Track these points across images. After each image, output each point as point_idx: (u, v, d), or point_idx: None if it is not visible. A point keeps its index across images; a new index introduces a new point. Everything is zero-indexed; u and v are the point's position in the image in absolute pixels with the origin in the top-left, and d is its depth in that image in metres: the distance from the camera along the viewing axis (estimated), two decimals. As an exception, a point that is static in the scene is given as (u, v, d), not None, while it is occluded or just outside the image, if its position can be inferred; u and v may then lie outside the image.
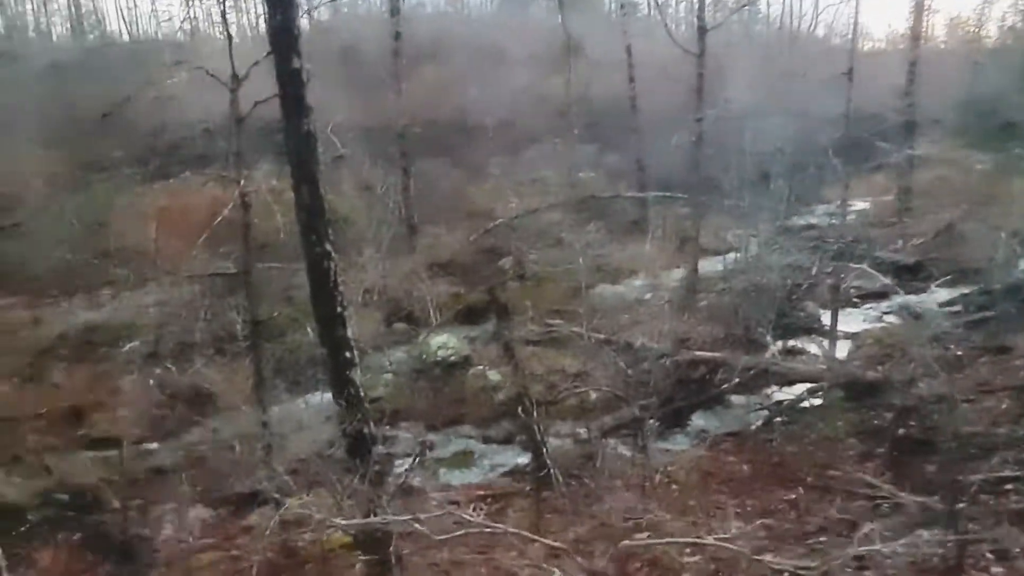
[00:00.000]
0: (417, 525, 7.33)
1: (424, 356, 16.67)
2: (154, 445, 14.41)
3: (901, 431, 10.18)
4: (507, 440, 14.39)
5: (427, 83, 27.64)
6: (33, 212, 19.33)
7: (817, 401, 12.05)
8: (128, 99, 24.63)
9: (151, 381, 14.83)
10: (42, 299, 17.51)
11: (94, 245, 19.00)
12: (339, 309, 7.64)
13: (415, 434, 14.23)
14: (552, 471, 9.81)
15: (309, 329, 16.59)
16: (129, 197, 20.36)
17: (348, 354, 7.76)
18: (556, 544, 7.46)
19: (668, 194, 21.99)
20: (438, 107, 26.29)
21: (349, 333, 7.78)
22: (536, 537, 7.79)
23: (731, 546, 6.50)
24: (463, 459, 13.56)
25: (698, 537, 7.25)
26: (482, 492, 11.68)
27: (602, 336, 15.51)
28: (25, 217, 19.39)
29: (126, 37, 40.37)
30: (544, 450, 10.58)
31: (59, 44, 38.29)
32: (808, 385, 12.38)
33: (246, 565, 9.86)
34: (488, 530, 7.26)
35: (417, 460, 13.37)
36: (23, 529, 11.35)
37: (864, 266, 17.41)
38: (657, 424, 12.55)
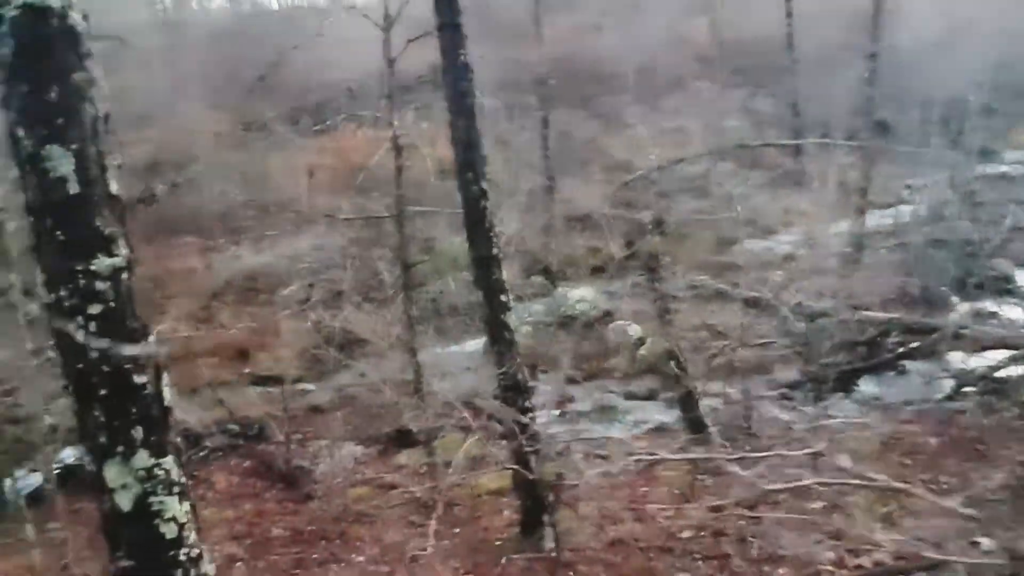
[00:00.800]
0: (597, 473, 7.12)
1: (562, 309, 16.41)
2: (311, 385, 15.33)
3: None
4: (649, 396, 13.90)
5: (562, 32, 26.78)
6: (203, 168, 20.88)
7: (1020, 370, 10.46)
8: (279, 62, 25.98)
9: (308, 324, 15.62)
10: (212, 247, 18.98)
11: (255, 197, 20.28)
12: (495, 251, 7.40)
13: (555, 387, 14.06)
14: (710, 430, 9.20)
15: (450, 280, 16.88)
16: (284, 152, 21.46)
17: (503, 297, 7.54)
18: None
19: (829, 140, 19.97)
20: (574, 57, 25.41)
21: (504, 276, 7.53)
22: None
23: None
24: (605, 414, 13.21)
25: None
26: (627, 447, 11.32)
27: (752, 293, 14.46)
28: (196, 173, 21.01)
29: (275, 6, 42.39)
30: (698, 408, 9.99)
31: (218, 15, 40.85)
32: (1011, 352, 10.77)
33: (397, 502, 10.20)
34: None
35: (559, 412, 13.27)
36: (201, 454, 12.48)
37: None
38: (819, 388, 11.52)
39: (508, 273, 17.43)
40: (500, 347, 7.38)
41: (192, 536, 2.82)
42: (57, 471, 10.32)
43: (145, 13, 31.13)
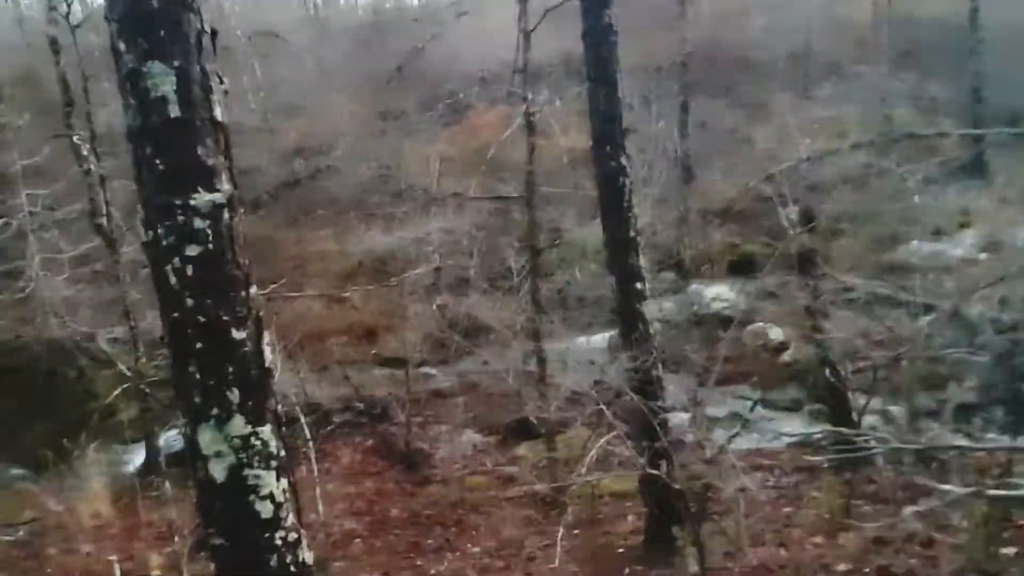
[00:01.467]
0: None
1: (695, 307, 15.33)
2: (433, 370, 15.37)
3: None
4: (792, 407, 12.61)
5: (704, 16, 25.30)
6: (342, 155, 21.69)
7: None
8: (418, 50, 26.57)
9: (434, 307, 15.66)
10: (347, 230, 19.61)
11: (389, 182, 20.75)
12: (631, 233, 6.74)
13: (684, 388, 13.10)
14: (873, 450, 7.97)
15: (577, 271, 16.31)
16: (418, 140, 21.80)
17: (639, 285, 6.87)
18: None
19: (1019, 130, 17.33)
20: (717, 42, 23.88)
21: (641, 262, 6.85)
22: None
23: None
24: (742, 421, 12.08)
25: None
26: (767, 461, 10.24)
27: (919, 299, 12.69)
28: (335, 159, 21.86)
29: (415, 2, 43.64)
30: (855, 424, 8.76)
31: (362, 12, 42.64)
32: None
33: (515, 494, 9.80)
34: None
35: (689, 417, 12.33)
36: (328, 429, 12.79)
37: None
38: (1010, 414, 9.81)
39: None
40: (634, 339, 6.69)
41: (290, 518, 2.46)
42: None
43: (298, 11, 33.03)
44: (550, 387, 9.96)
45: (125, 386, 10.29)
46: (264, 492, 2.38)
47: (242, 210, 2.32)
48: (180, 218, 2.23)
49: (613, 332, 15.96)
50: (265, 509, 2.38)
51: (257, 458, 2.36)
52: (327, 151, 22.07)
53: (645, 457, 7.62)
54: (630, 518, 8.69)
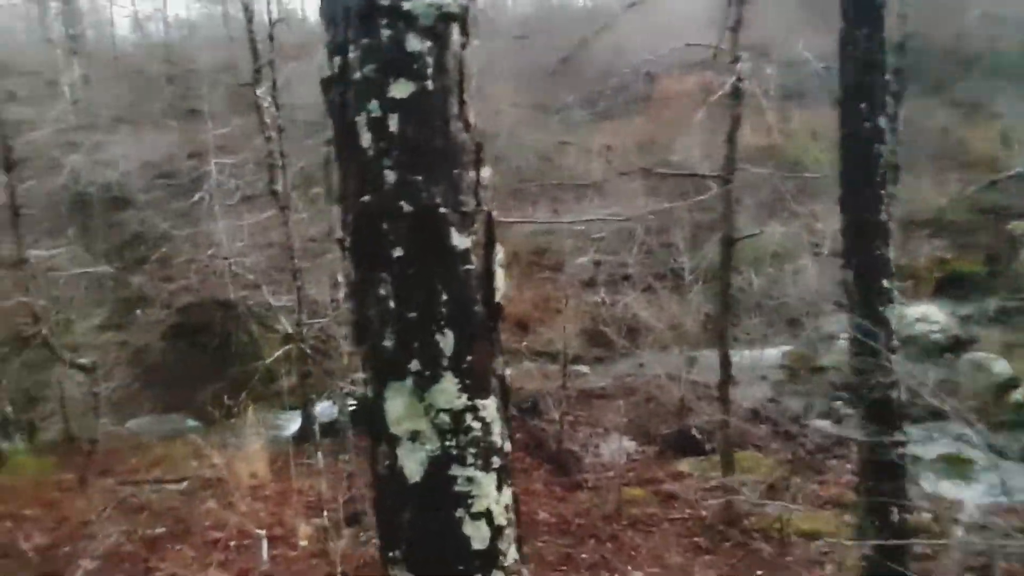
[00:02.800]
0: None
1: (893, 325, 13.03)
2: (585, 368, 14.31)
3: None
4: (1025, 457, 10.17)
5: (915, 4, 22.09)
6: (503, 145, 21.22)
7: None
8: (585, 41, 25.67)
9: (591, 303, 14.64)
10: (505, 221, 19.11)
11: (549, 174, 19.99)
12: (882, 216, 5.26)
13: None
14: None
15: (753, 275, 14.51)
16: (580, 133, 20.88)
17: (885, 283, 5.36)
18: None
19: None
20: (928, 31, 20.73)
21: (891, 253, 5.35)
22: None
23: None
24: (957, 466, 9.90)
25: None
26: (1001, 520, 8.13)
27: None
28: (496, 150, 21.44)
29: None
30: None
31: (526, 5, 42.51)
32: None
33: (678, 515, 8.50)
34: None
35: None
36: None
37: None
38: None
39: (819, 279, 14.54)
40: (872, 347, 5.20)
41: (511, 552, 1.46)
42: (352, 406, 10.61)
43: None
44: (716, 400, 8.52)
45: (287, 347, 10.14)
46: (478, 507, 1.40)
47: (476, 41, 1.35)
48: (385, 33, 1.31)
49: (789, 347, 14.14)
50: (478, 535, 1.40)
51: (472, 449, 1.39)
52: (488, 142, 21.73)
53: (862, 496, 6.13)
54: (828, 568, 7.10)
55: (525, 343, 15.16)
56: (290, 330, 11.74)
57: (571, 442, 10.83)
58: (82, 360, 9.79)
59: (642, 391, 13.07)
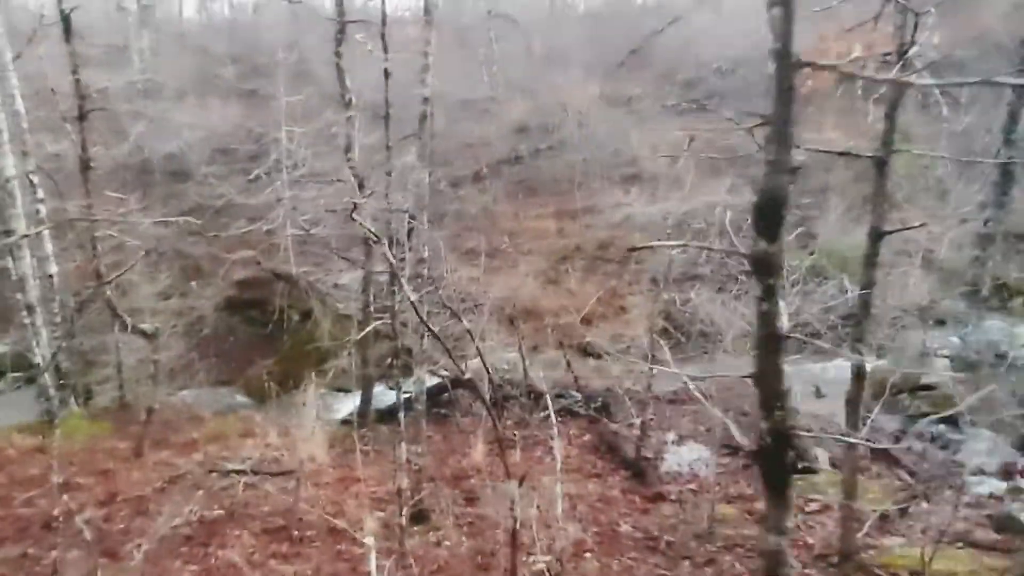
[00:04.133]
0: None
1: (996, 346, 11.80)
2: (653, 370, 13.35)
3: None
4: None
5: None
6: (565, 137, 20.31)
7: None
8: (656, 33, 24.56)
9: (659, 302, 13.66)
10: (567, 212, 18.19)
11: (613, 167, 19.05)
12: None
13: (993, 446, 9.89)
14: None
15: (845, 278, 13.36)
16: (647, 127, 19.83)
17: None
18: None
19: None
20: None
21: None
22: None
23: None
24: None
25: None
26: None
27: None
28: (556, 141, 20.55)
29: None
30: None
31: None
32: None
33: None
34: None
35: (1007, 484, 9.18)
36: (543, 415, 11.30)
37: None
38: None
39: (916, 290, 13.20)
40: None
41: None
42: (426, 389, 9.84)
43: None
44: (850, 414, 7.50)
45: (374, 325, 9.33)
46: None
47: None
48: None
49: (880, 361, 12.96)
50: None
51: None
52: (551, 131, 20.82)
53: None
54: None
55: (588, 338, 14.30)
56: (353, 311, 11.08)
57: (644, 447, 9.91)
58: (144, 326, 9.19)
59: (717, 397, 12.08)
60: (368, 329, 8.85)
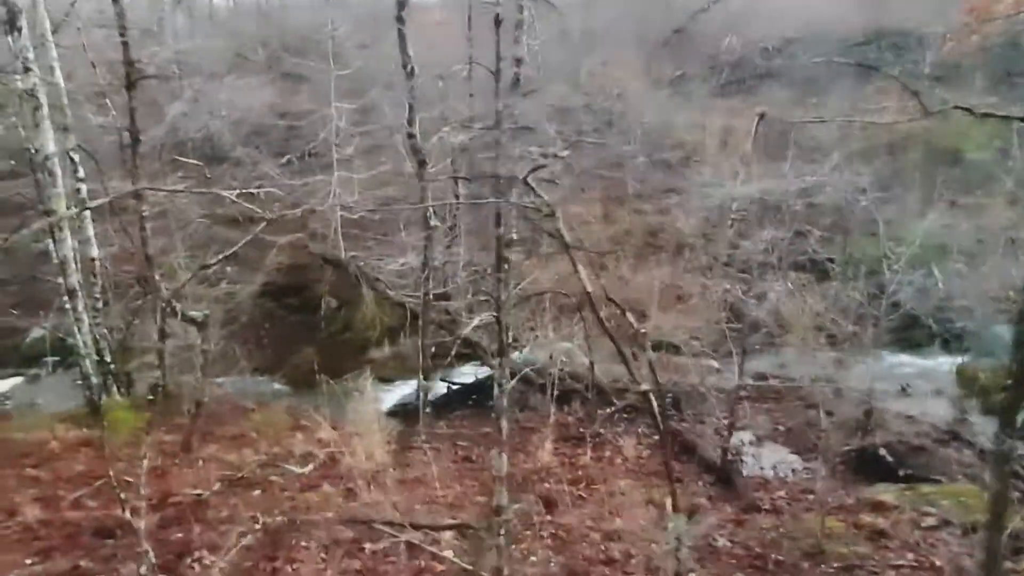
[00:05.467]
0: None
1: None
2: (714, 363, 12.44)
3: None
4: None
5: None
6: (610, 120, 19.26)
7: None
8: (703, 10, 23.32)
9: (719, 292, 12.71)
10: (613, 197, 17.23)
11: (660, 151, 18.01)
12: None
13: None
14: None
15: (936, 270, 12.28)
16: (694, 109, 18.73)
17: None
18: None
19: None
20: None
21: None
22: None
23: None
24: None
25: None
26: None
27: None
28: (602, 124, 19.47)
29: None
30: None
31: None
32: None
33: (905, 564, 6.63)
34: None
35: None
36: (606, 411, 10.48)
37: None
38: None
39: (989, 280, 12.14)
40: None
41: None
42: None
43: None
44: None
45: (483, 318, 8.46)
46: None
47: None
48: None
49: (963, 358, 11.98)
50: None
51: None
52: (596, 113, 19.76)
53: None
54: None
55: (643, 330, 13.36)
56: (407, 299, 10.26)
57: (731, 450, 9.03)
58: (193, 312, 8.41)
59: (790, 395, 11.19)
60: (476, 321, 7.98)
